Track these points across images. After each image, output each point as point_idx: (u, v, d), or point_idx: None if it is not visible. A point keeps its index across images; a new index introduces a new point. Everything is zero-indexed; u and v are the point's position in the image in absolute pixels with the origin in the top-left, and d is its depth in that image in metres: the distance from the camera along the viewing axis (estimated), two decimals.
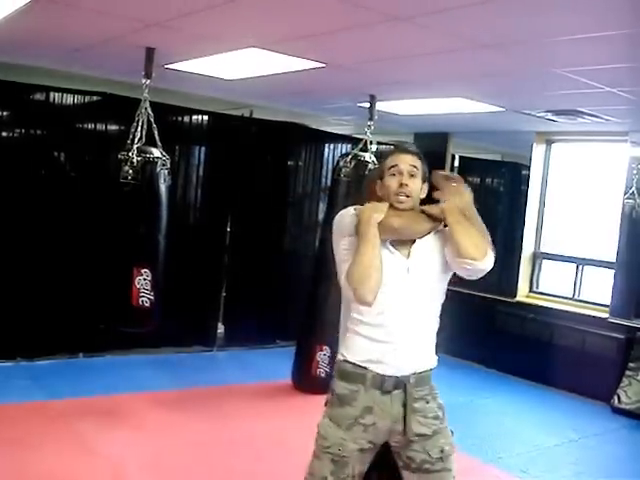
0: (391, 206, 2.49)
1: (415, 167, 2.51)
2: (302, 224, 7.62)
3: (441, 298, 2.55)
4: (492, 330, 7.35)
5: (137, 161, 4.49)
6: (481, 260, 2.41)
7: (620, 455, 5.30)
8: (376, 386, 2.40)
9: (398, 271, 2.44)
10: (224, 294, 7.11)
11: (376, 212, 2.46)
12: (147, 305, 4.58)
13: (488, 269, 2.45)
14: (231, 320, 7.14)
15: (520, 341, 7.13)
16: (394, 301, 2.42)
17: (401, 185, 2.48)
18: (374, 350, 2.42)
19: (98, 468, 4.02)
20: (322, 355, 5.68)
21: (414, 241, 2.49)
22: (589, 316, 6.81)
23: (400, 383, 2.41)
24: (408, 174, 2.49)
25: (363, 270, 2.37)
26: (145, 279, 4.54)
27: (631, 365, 6.35)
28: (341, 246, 2.51)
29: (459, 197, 2.50)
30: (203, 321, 6.95)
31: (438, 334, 2.55)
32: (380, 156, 2.62)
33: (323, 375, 5.63)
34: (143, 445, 4.42)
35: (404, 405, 2.41)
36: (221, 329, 7.12)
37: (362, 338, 2.44)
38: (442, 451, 2.46)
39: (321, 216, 7.23)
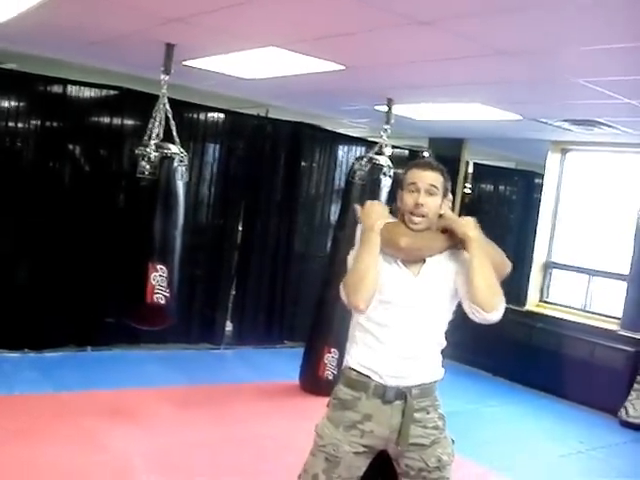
0: (404, 222, 2.48)
1: (434, 186, 2.47)
2: (314, 225, 7.60)
3: (448, 317, 2.55)
4: (501, 338, 7.30)
5: (155, 156, 4.49)
6: (490, 312, 2.39)
7: (626, 469, 5.25)
8: (378, 395, 2.42)
9: (405, 288, 2.44)
10: (233, 292, 7.12)
11: (379, 219, 2.45)
12: (162, 302, 4.58)
13: (494, 322, 2.43)
14: (240, 319, 7.14)
15: (529, 350, 7.10)
16: (399, 317, 2.42)
17: (417, 205, 2.44)
18: (378, 361, 2.43)
19: (104, 462, 4.02)
20: (330, 357, 5.66)
21: (425, 259, 2.48)
22: (599, 328, 6.78)
23: (402, 394, 2.42)
24: (426, 193, 2.45)
25: (357, 278, 2.38)
26: (161, 275, 4.54)
27: (639, 379, 6.32)
28: (350, 256, 2.51)
29: (477, 230, 2.48)
30: (212, 319, 6.95)
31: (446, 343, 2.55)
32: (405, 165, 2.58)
33: (330, 377, 5.62)
34: (149, 441, 4.42)
35: (403, 415, 2.41)
36: (229, 327, 7.12)
37: (367, 348, 2.46)
38: (440, 460, 2.47)
39: (333, 218, 7.22)
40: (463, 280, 2.44)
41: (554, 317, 7.15)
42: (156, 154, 4.50)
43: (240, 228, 7.08)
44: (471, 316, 2.43)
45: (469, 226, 2.46)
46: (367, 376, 2.43)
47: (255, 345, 7.13)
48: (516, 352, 7.14)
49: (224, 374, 6.20)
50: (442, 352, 2.56)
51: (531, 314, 7.30)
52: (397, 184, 2.64)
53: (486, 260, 2.41)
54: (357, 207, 2.57)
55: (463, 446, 5.00)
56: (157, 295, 4.55)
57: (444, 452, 2.49)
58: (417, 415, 2.43)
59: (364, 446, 2.43)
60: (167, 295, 4.58)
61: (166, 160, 4.58)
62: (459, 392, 6.68)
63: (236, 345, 7.05)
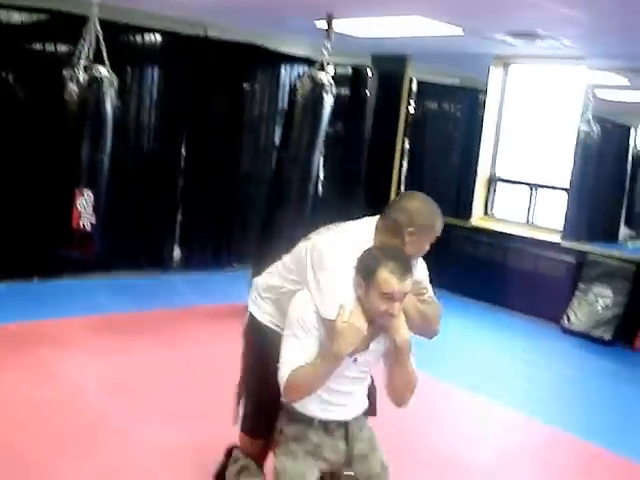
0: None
1: (407, 292, 2.34)
2: (259, 147, 7.52)
3: None
4: (447, 253, 7.42)
5: (83, 79, 4.35)
6: (399, 406, 2.47)
7: (568, 374, 5.49)
8: (321, 428, 2.45)
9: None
10: (180, 218, 7.06)
11: (351, 348, 2.27)
12: (88, 228, 4.51)
13: None
14: (188, 244, 7.11)
15: (474, 264, 7.26)
16: (337, 378, 2.38)
17: (391, 315, 2.30)
18: (319, 406, 2.43)
19: (57, 390, 4.02)
20: None
21: None
22: (542, 240, 6.95)
23: (342, 423, 2.48)
24: (400, 301, 2.32)
25: (306, 390, 2.33)
26: (87, 201, 4.45)
27: (581, 286, 6.53)
28: (298, 319, 2.34)
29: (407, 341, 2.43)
30: (159, 245, 6.92)
31: None
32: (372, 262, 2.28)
33: None
34: (101, 367, 4.43)
35: (346, 439, 2.48)
36: (177, 252, 7.09)
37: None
38: (382, 462, 2.55)
39: (277, 139, 7.14)
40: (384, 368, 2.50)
41: (498, 231, 7.31)
42: (84, 77, 4.36)
43: (184, 153, 6.97)
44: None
45: (401, 334, 2.38)
46: (310, 417, 2.45)
47: (204, 269, 7.12)
48: (462, 266, 7.30)
49: (174, 299, 6.20)
50: None
51: (476, 229, 7.44)
52: (361, 273, 2.30)
53: (407, 368, 2.45)
54: (343, 310, 2.29)
55: (415, 359, 5.15)
56: (83, 221, 4.48)
57: (381, 454, 2.58)
58: (356, 435, 2.52)
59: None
60: (93, 221, 4.51)
61: (95, 83, 4.44)
62: None
63: (185, 270, 7.04)
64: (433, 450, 3.82)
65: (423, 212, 2.43)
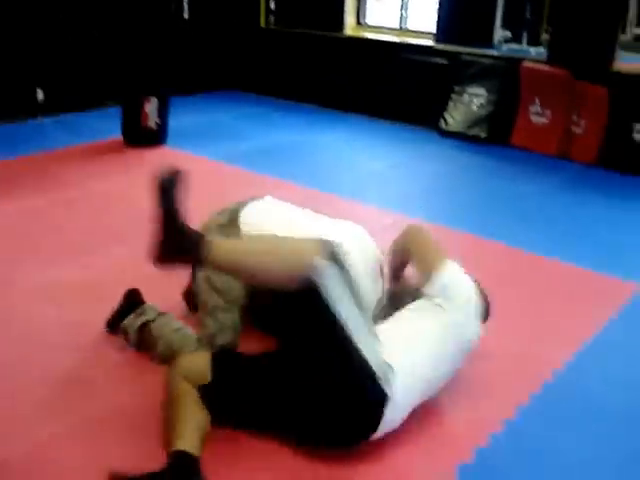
0: None
1: None
2: None
3: None
4: (321, 66, 7.33)
5: None
6: None
7: (442, 171, 5.68)
8: None
9: None
10: (42, 57, 6.55)
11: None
12: None
13: None
14: (53, 84, 6.66)
15: (350, 76, 7.20)
16: None
17: None
18: None
19: None
20: (151, 106, 5.55)
21: None
22: (415, 45, 6.93)
23: None
24: None
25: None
26: None
27: (456, 88, 6.62)
28: None
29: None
30: (20, 88, 6.45)
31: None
32: None
33: (154, 127, 5.59)
34: None
35: None
36: (41, 94, 6.64)
37: None
38: None
39: None
40: None
41: (372, 40, 7.21)
42: None
43: None
44: None
45: None
46: None
47: (75, 109, 6.75)
48: (337, 79, 7.24)
49: (44, 142, 5.83)
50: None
51: (349, 39, 7.30)
52: None
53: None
54: None
55: (294, 173, 5.21)
56: None
57: None
58: None
59: None
60: None
61: None
62: (287, 125, 6.80)
63: (54, 112, 6.65)
64: None
65: None
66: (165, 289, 2.94)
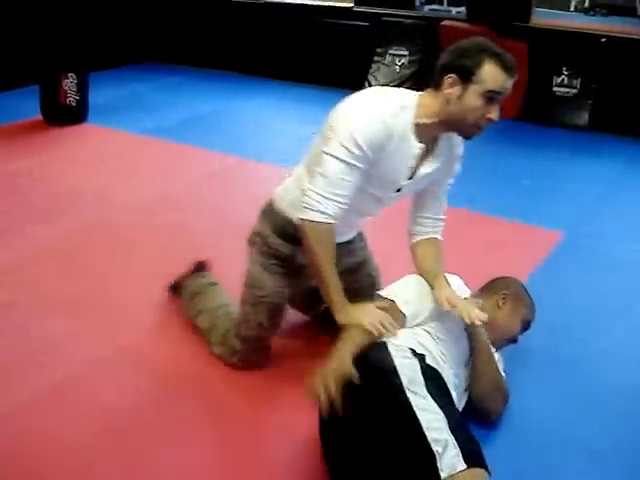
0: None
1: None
2: None
3: None
4: (239, 35, 7.22)
5: None
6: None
7: None
8: None
9: None
10: None
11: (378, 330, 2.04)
12: None
13: None
14: None
15: (270, 44, 7.11)
16: (370, 203, 2.39)
17: (490, 121, 2.04)
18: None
19: None
20: (69, 83, 5.40)
21: None
22: (335, 7, 6.89)
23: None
24: (500, 103, 2.04)
25: (310, 253, 2.19)
26: None
27: (378, 50, 6.62)
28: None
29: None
30: None
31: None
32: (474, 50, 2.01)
33: (74, 104, 5.45)
34: None
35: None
36: None
37: None
38: (370, 275, 2.64)
39: None
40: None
41: (291, 3, 7.15)
42: None
43: None
44: None
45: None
46: None
47: None
48: (255, 48, 7.17)
49: None
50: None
51: (268, 4, 7.19)
52: (457, 69, 2.01)
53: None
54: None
55: (217, 141, 5.16)
56: None
57: (373, 268, 2.66)
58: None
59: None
60: None
61: None
62: (207, 94, 6.70)
63: None
64: None
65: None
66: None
